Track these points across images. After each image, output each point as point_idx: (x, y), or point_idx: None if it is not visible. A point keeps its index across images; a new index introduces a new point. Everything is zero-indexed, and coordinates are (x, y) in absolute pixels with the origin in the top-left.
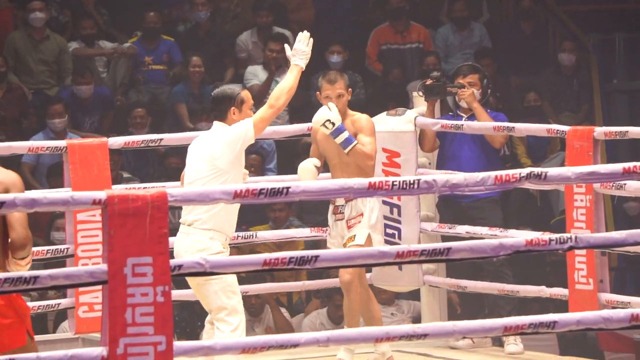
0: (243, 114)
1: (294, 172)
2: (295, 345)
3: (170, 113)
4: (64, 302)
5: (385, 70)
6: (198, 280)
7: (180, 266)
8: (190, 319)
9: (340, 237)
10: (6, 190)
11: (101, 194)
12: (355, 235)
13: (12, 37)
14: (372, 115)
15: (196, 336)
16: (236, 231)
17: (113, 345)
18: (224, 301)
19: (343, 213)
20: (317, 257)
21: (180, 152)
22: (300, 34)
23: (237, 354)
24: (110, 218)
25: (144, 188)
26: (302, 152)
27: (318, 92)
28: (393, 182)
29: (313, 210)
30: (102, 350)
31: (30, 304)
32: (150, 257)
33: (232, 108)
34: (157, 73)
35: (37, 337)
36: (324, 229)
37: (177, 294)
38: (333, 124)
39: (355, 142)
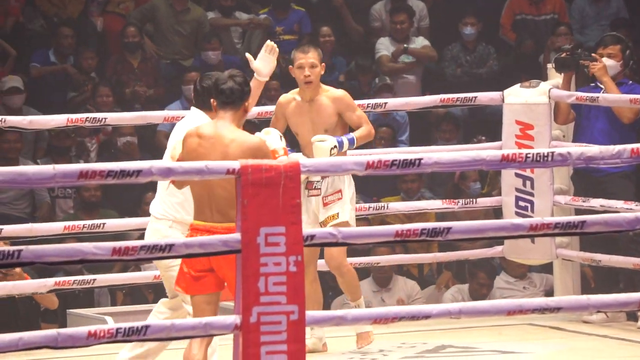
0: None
1: (426, 143)
2: (427, 316)
3: None
4: None
5: (519, 42)
6: (164, 263)
7: (312, 236)
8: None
9: (312, 213)
10: (253, 156)
11: (235, 164)
12: (337, 213)
13: (153, 6)
14: (505, 87)
15: (327, 306)
16: (366, 202)
17: (246, 314)
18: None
19: (319, 189)
20: (449, 229)
21: None
22: (266, 44)
23: (368, 323)
24: (244, 188)
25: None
26: (435, 123)
27: (291, 66)
28: (527, 154)
29: (444, 182)
30: (235, 319)
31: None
32: (283, 226)
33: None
34: (288, 43)
35: (144, 306)
36: (456, 200)
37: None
38: (336, 147)
39: (354, 136)
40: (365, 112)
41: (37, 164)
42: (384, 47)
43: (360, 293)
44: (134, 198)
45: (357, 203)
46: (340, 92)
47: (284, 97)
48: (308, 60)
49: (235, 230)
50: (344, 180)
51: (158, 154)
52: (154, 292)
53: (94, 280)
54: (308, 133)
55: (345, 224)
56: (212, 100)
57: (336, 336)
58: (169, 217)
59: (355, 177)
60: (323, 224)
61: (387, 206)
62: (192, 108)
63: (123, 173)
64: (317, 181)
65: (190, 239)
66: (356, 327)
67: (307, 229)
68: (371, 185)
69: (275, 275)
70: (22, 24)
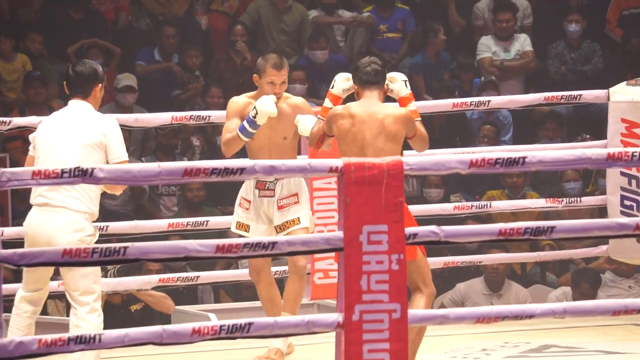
0: (101, 93)
1: (529, 142)
2: (530, 316)
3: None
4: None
5: (626, 38)
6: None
7: (415, 235)
8: None
9: (264, 214)
10: (405, 126)
11: (338, 162)
12: (298, 218)
13: (256, 6)
14: (610, 85)
15: None
16: (469, 200)
17: (349, 312)
18: (91, 285)
19: (272, 190)
20: (553, 227)
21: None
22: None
23: (425, 325)
24: (347, 186)
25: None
26: (539, 121)
27: (256, 75)
28: (633, 153)
29: (548, 180)
30: (337, 317)
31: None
32: (385, 225)
33: (99, 85)
34: (392, 41)
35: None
36: (560, 199)
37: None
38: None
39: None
40: (468, 110)
41: (142, 161)
42: (486, 47)
43: (298, 307)
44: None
45: (459, 201)
46: (300, 100)
47: (239, 99)
48: (281, 77)
49: None
50: (299, 184)
51: None
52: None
53: (198, 277)
54: (264, 138)
55: (306, 230)
56: (354, 84)
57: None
58: (86, 210)
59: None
60: (280, 228)
61: (490, 205)
62: (73, 102)
63: (227, 171)
64: (270, 182)
65: (293, 236)
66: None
67: (259, 230)
68: (474, 183)
69: (377, 274)
70: (130, 22)
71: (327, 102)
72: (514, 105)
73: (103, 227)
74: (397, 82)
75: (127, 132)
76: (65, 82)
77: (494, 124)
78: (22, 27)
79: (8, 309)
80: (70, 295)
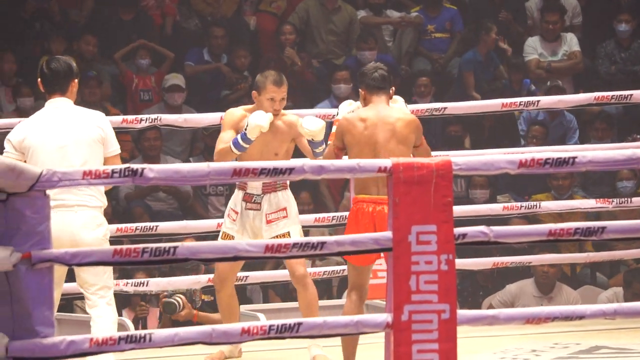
0: (76, 88)
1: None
2: (581, 317)
3: (455, 82)
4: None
5: None
6: None
7: (464, 235)
8: (472, 288)
9: (250, 228)
10: (416, 130)
11: (386, 162)
12: (288, 232)
13: (305, 6)
14: None
15: (478, 305)
16: (518, 200)
17: (397, 312)
18: (108, 282)
19: (259, 204)
20: (604, 228)
21: (462, 120)
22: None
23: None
24: (395, 186)
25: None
26: (589, 121)
27: (255, 92)
28: None
29: (599, 181)
30: (386, 317)
31: (316, 269)
32: (434, 225)
33: (75, 80)
34: (440, 42)
35: (321, 302)
36: (610, 200)
37: (459, 263)
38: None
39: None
40: (517, 110)
41: (190, 162)
42: (533, 49)
43: (318, 314)
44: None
45: (507, 202)
46: (295, 118)
47: (235, 111)
48: (280, 94)
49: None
50: (287, 199)
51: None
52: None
53: (247, 277)
54: (257, 153)
55: None
56: (360, 89)
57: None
58: (101, 204)
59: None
60: None
61: (540, 205)
62: (54, 100)
63: (276, 171)
64: (257, 195)
65: (342, 236)
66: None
67: (245, 240)
68: (521, 183)
69: (426, 274)
70: (178, 22)
71: (334, 129)
72: (564, 105)
73: (152, 227)
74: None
75: (158, 131)
76: (39, 80)
77: (543, 124)
78: (73, 28)
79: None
80: (87, 290)
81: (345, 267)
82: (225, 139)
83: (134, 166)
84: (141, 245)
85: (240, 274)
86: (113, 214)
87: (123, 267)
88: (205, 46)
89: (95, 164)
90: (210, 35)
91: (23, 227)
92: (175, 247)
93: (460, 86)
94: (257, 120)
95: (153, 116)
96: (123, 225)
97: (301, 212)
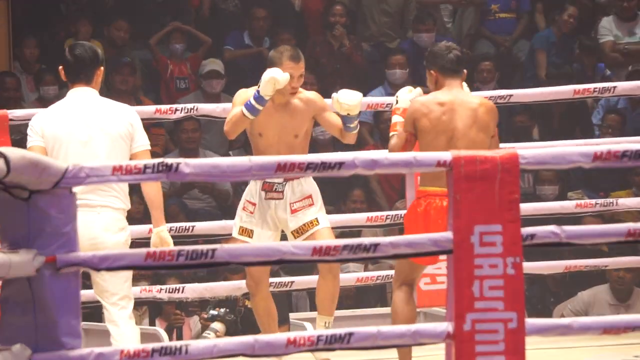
0: (101, 78)
1: None
2: None
3: (521, 67)
4: None
5: None
6: None
7: (532, 235)
8: (541, 295)
9: (271, 219)
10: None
11: (446, 155)
12: (316, 219)
13: None
14: None
15: (549, 313)
16: (592, 197)
17: (459, 321)
18: (128, 291)
19: (280, 192)
20: None
21: (529, 109)
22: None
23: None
24: (456, 182)
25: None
26: None
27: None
28: None
29: None
30: (447, 326)
31: (368, 274)
32: (499, 225)
33: (101, 69)
34: (505, 22)
35: (374, 310)
36: None
37: (527, 267)
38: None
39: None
40: (591, 97)
41: (230, 155)
42: (607, 30)
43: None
44: (338, 194)
45: (580, 199)
46: (313, 94)
47: (248, 91)
48: (299, 70)
49: None
50: (311, 185)
51: (359, 145)
52: (356, 295)
53: (292, 282)
54: (273, 136)
55: (329, 230)
56: (432, 71)
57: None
58: (124, 207)
59: (579, 169)
60: (297, 232)
61: (617, 202)
62: (78, 90)
63: (324, 165)
64: (279, 183)
65: (397, 237)
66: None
67: (263, 236)
68: (599, 179)
69: (491, 279)
70: (216, 3)
71: (397, 118)
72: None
73: (188, 227)
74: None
75: (197, 122)
76: (62, 68)
77: (620, 113)
78: (100, 10)
79: (88, 316)
80: (108, 300)
81: (360, 273)
82: (235, 112)
83: (169, 161)
84: (176, 248)
85: (286, 279)
86: (145, 213)
87: (156, 271)
88: (245, 29)
89: (121, 161)
90: (251, 17)
91: (47, 228)
92: (213, 250)
93: (527, 71)
94: (272, 72)
95: (189, 106)
96: None
97: (352, 210)
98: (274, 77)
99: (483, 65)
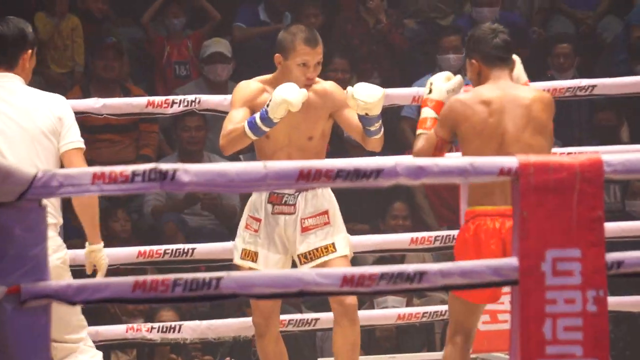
0: (32, 63)
1: None
2: None
3: (608, 49)
4: None
5: None
6: None
7: (620, 263)
8: (630, 337)
9: (279, 239)
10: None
11: (511, 161)
12: (332, 244)
13: None
14: None
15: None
16: None
17: None
18: (81, 334)
19: (292, 205)
20: None
21: (617, 104)
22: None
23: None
24: (524, 194)
25: (568, 154)
26: None
27: (278, 55)
28: None
29: None
30: None
31: (412, 310)
32: (578, 249)
33: (29, 52)
34: None
35: (420, 355)
36: None
37: (612, 302)
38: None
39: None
40: None
41: (239, 160)
42: None
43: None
44: (375, 208)
45: None
46: (329, 84)
47: (250, 84)
48: (316, 57)
49: None
50: (329, 198)
51: (401, 147)
52: (397, 336)
53: (317, 320)
54: (283, 138)
55: (346, 259)
56: (473, 60)
57: None
58: (57, 221)
59: None
60: (306, 258)
61: None
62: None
63: (358, 173)
64: (290, 194)
65: (449, 264)
66: None
67: (270, 261)
68: None
69: (567, 317)
70: None
71: (429, 112)
72: None
73: (187, 250)
74: (517, 64)
75: (202, 118)
76: None
77: None
78: None
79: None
80: (63, 340)
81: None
82: (236, 118)
83: (163, 166)
84: (172, 276)
85: (309, 316)
86: (134, 233)
87: (147, 305)
88: (261, 2)
89: (45, 164)
90: None
91: (10, 250)
92: (219, 279)
93: (616, 56)
94: (285, 93)
95: (190, 97)
96: (147, 248)
97: (393, 230)
98: (287, 101)
99: (559, 48)
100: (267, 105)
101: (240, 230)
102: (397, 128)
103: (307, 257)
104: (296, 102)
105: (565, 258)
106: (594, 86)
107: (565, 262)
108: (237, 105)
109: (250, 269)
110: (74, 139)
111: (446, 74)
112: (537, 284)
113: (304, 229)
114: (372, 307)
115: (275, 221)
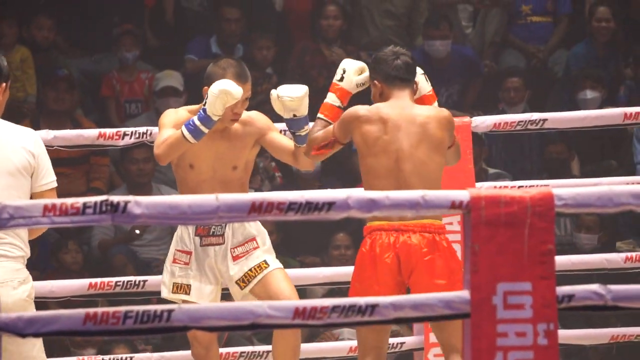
0: (5, 96)
1: None
2: None
3: (557, 84)
4: (409, 342)
5: None
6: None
7: (570, 296)
8: None
9: (210, 270)
10: (451, 131)
11: (463, 195)
12: (264, 261)
13: None
14: None
15: None
16: None
17: None
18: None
19: (219, 236)
20: None
21: (568, 137)
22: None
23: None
24: (475, 228)
25: (519, 187)
26: None
27: (206, 88)
28: None
29: None
30: None
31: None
32: (529, 282)
33: (4, 85)
34: (538, 27)
35: None
36: None
37: (563, 335)
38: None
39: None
40: None
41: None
42: None
43: None
44: (320, 240)
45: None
46: (254, 112)
47: (177, 111)
48: (246, 92)
49: (443, 229)
50: (256, 226)
51: (350, 178)
52: None
53: (269, 352)
54: (207, 169)
55: (281, 273)
56: (375, 81)
57: None
58: (24, 254)
59: (629, 214)
60: (243, 281)
61: None
62: None
63: (310, 206)
64: (217, 225)
65: (400, 297)
66: None
67: (203, 292)
68: None
69: (518, 350)
70: (177, 1)
71: (333, 98)
72: None
73: (139, 282)
74: (417, 75)
75: (150, 150)
76: None
77: None
78: (28, 7)
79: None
80: None
81: (405, 338)
82: (168, 134)
83: (115, 199)
84: (123, 308)
85: (260, 348)
86: (85, 264)
87: (98, 338)
88: (213, 33)
89: (22, 198)
90: (221, 18)
91: None
92: (170, 311)
93: (566, 90)
94: (222, 85)
95: (141, 129)
96: (98, 280)
97: (338, 259)
98: (226, 90)
99: (510, 82)
100: (204, 104)
101: (168, 265)
102: (349, 162)
103: (243, 280)
104: (235, 91)
105: (516, 291)
106: (544, 120)
107: (516, 295)
108: (167, 127)
109: (184, 302)
110: (50, 179)
111: (359, 64)
112: (489, 317)
113: (235, 258)
114: (330, 339)
115: (205, 253)
